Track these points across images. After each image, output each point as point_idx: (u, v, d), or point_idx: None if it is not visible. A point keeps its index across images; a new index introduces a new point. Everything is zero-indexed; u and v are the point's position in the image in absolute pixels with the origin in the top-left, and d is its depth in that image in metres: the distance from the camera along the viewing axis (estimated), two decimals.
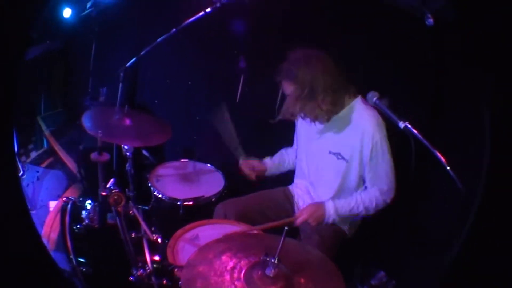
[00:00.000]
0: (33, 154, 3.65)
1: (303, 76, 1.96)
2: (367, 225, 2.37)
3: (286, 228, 1.40)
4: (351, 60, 2.42)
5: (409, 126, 1.65)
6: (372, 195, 2.08)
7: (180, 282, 1.76)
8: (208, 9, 2.18)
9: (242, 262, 1.48)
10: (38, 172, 3.41)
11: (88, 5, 3.20)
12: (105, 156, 2.01)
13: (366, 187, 2.14)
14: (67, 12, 3.25)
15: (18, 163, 3.30)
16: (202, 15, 2.19)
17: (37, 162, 3.56)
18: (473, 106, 2.05)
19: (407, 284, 2.26)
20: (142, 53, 2.37)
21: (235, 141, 2.36)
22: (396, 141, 2.02)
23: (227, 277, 1.43)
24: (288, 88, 2.04)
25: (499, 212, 1.35)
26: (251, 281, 1.41)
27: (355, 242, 2.34)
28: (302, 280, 1.45)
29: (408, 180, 1.88)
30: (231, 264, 1.47)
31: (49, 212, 3.02)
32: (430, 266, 2.36)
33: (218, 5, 2.16)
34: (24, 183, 3.27)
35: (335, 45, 2.37)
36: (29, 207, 3.07)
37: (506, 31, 1.30)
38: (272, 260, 1.40)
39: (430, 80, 2.40)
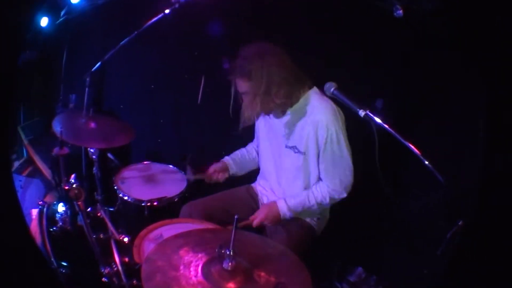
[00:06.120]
0: (16, 164, 3.62)
1: (257, 71, 1.89)
2: (341, 221, 2.33)
3: (236, 216, 1.37)
4: (329, 56, 2.43)
5: (370, 114, 1.58)
6: (324, 190, 2.04)
7: None
8: (167, 11, 2.14)
9: (200, 256, 1.47)
10: (21, 181, 3.41)
11: (62, 12, 3.16)
12: (65, 150, 2.04)
13: (319, 181, 2.09)
14: (44, 21, 3.15)
15: None
16: (161, 17, 2.15)
17: (19, 171, 3.54)
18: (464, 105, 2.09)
19: (389, 279, 2.23)
20: (106, 57, 2.36)
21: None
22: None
23: (185, 271, 1.41)
24: (242, 85, 1.96)
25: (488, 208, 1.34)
26: (209, 275, 1.39)
27: (330, 239, 2.31)
28: (262, 274, 1.43)
29: (376, 172, 1.86)
30: (187, 259, 1.46)
31: (32, 220, 3.07)
32: (411, 260, 2.33)
33: (176, 6, 2.13)
34: None
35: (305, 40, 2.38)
36: None
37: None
38: (227, 252, 1.38)
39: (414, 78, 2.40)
